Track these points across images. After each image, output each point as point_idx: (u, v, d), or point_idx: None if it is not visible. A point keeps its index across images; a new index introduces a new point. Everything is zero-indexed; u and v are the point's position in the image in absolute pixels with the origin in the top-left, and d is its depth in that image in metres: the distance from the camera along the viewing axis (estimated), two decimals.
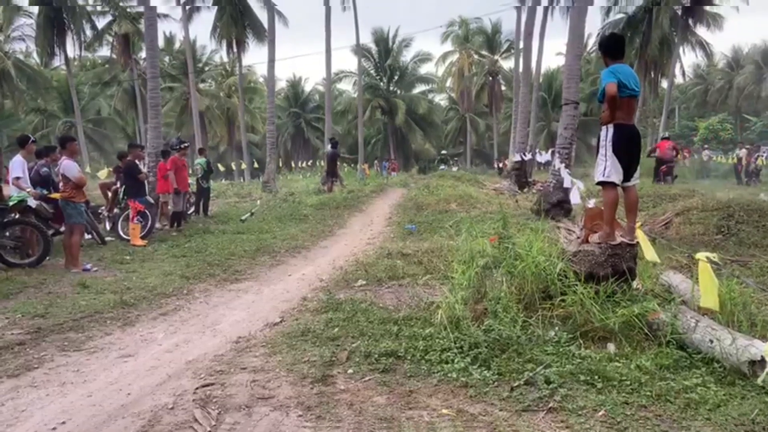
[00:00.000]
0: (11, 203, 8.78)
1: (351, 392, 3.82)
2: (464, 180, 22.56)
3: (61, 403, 3.85)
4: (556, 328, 4.53)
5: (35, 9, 31.66)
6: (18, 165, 8.99)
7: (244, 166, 38.02)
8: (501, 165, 34.57)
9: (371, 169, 39.10)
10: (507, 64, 46.76)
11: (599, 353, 4.12)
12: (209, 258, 9.19)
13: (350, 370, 4.16)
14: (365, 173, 33.17)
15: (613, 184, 4.98)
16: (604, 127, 5.01)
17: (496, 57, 48.15)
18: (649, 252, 5.46)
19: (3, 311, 6.06)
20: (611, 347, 4.24)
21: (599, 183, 5.10)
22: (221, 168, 36.66)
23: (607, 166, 4.95)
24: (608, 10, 32.12)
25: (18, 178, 8.88)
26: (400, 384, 3.91)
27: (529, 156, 20.71)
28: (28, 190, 8.92)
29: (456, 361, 4.10)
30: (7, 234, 8.52)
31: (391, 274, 7.33)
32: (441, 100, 60.36)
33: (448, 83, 53.26)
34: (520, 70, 27.44)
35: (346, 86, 55.13)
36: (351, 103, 50.18)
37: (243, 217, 14.15)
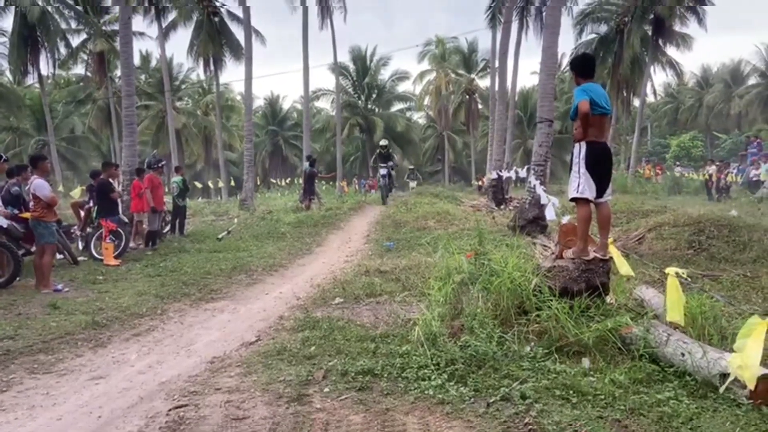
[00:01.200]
0: None
1: (327, 411, 3.78)
2: (442, 197, 22.66)
3: (30, 427, 3.75)
4: (532, 344, 4.55)
5: (9, 26, 31.30)
6: None
7: (221, 184, 37.74)
8: (480, 182, 34.86)
9: (350, 187, 39.11)
10: (483, 82, 47.38)
11: (574, 368, 4.14)
12: (184, 277, 9.08)
13: (326, 389, 4.13)
14: (344, 191, 33.16)
15: (586, 200, 5.06)
16: (576, 145, 5.09)
17: (472, 75, 48.74)
18: (623, 266, 5.54)
19: None
20: (586, 362, 4.27)
21: (573, 199, 5.17)
22: (198, 186, 36.39)
23: (580, 183, 5.03)
24: (581, 31, 32.80)
25: None
26: (376, 402, 3.88)
27: (506, 173, 20.90)
28: (0, 210, 8.75)
29: (433, 378, 4.09)
30: None
31: (368, 292, 7.31)
32: (419, 118, 60.84)
33: (426, 101, 53.71)
34: (496, 88, 27.86)
35: (324, 104, 55.32)
36: (329, 120, 50.31)
37: (220, 236, 14.03)
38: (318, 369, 4.50)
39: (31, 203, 8.76)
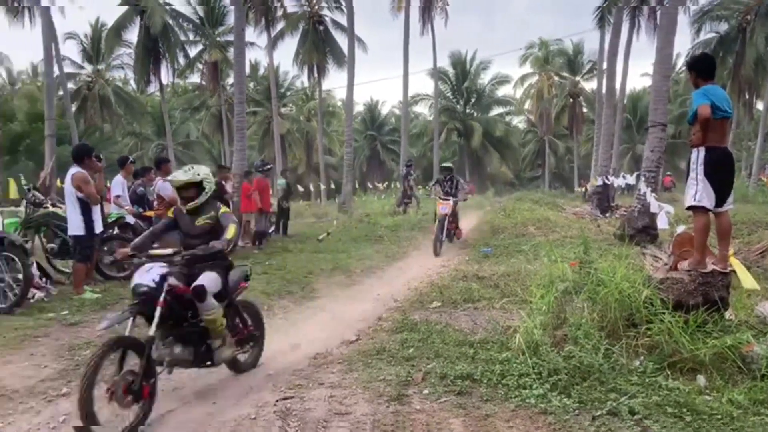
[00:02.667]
0: (110, 220, 9.40)
1: (426, 413, 3.82)
2: (542, 203, 22.09)
3: (155, 409, 4.04)
4: (642, 358, 4.35)
5: (134, 39, 34.03)
6: (118, 184, 9.66)
7: (322, 187, 38.92)
8: (584, 188, 33.61)
9: None
10: (589, 85, 45.66)
11: (688, 385, 3.92)
12: (288, 276, 9.44)
13: (426, 391, 4.16)
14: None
15: (704, 209, 4.77)
16: (695, 150, 4.81)
17: (577, 78, 47.15)
18: (747, 280, 5.14)
19: (101, 320, 6.46)
20: (701, 379, 4.03)
21: (689, 208, 4.89)
22: (300, 189, 37.67)
23: (698, 190, 4.75)
24: (698, 29, 30.78)
25: (118, 197, 9.53)
26: (476, 407, 3.87)
27: (614, 179, 20.00)
28: (126, 207, 9.53)
29: (534, 387, 4.01)
30: (106, 248, 9.10)
31: (466, 297, 7.27)
32: (519, 122, 59.70)
33: (527, 105, 52.63)
34: (603, 91, 26.72)
35: (423, 109, 55.55)
36: (427, 125, 50.53)
37: (320, 237, 14.46)
38: (417, 371, 4.54)
39: (155, 202, 9.47)
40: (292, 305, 7.63)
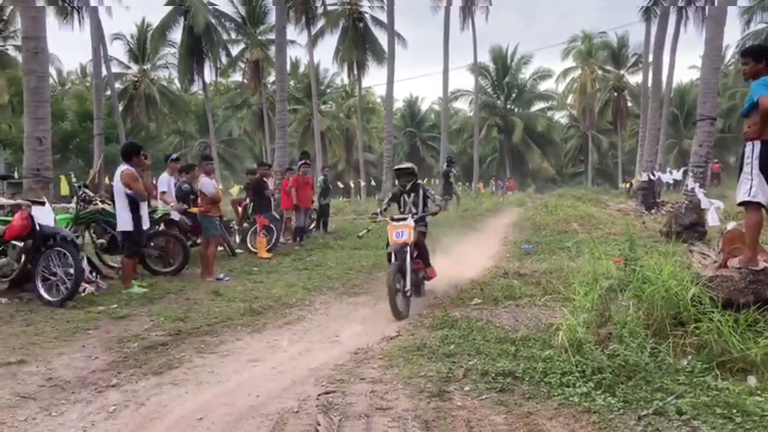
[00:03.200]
0: (157, 216, 9.67)
1: (468, 409, 3.81)
2: (585, 199, 21.72)
3: (198, 401, 4.16)
4: (689, 357, 4.23)
5: (178, 39, 34.82)
6: (164, 181, 9.93)
7: (362, 184, 39.12)
8: (629, 184, 32.89)
9: (486, 188, 38.72)
10: (634, 78, 44.65)
11: (738, 386, 3.80)
12: (329, 272, 9.55)
13: (467, 387, 4.15)
14: (479, 192, 32.90)
15: (757, 205, 4.61)
16: (749, 143, 4.65)
17: (622, 72, 46.09)
18: None
19: (149, 314, 6.67)
20: (752, 380, 3.90)
21: (742, 203, 4.73)
22: (340, 185, 37.97)
23: (753, 185, 4.59)
24: (749, 20, 29.68)
25: (164, 193, 9.79)
26: (518, 405, 3.83)
27: (658, 175, 19.50)
28: (172, 204, 9.78)
29: (578, 385, 3.95)
30: (152, 244, 9.37)
31: (507, 294, 7.22)
32: (561, 117, 58.81)
33: (569, 100, 51.71)
34: (649, 84, 26.08)
35: (463, 105, 55.30)
36: (467, 121, 50.26)
37: (360, 234, 14.43)
38: (458, 367, 4.53)
39: (199, 199, 9.70)
40: (333, 300, 7.71)
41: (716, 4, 12.39)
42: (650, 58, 26.38)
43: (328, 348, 5.52)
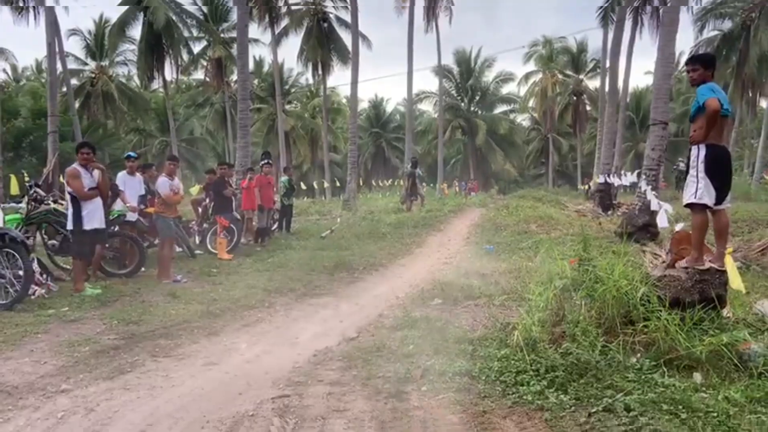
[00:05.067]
0: (112, 216, 9.45)
1: (424, 409, 3.84)
2: (545, 201, 22.09)
3: (150, 406, 4.08)
4: (638, 355, 4.36)
5: (138, 35, 34.08)
6: (121, 180, 9.74)
7: (326, 184, 38.96)
8: (587, 186, 33.63)
9: (450, 189, 39.04)
10: (593, 83, 45.61)
11: (684, 383, 3.93)
12: (290, 273, 9.48)
13: (424, 388, 4.18)
14: (444, 193, 33.14)
15: (702, 207, 4.78)
16: (694, 147, 4.82)
17: (581, 76, 47.07)
18: (735, 280, 5.16)
19: (101, 317, 6.52)
20: (697, 377, 4.04)
21: (688, 205, 4.90)
22: (303, 186, 37.76)
23: (699, 188, 4.76)
24: (702, 27, 30.66)
25: (121, 192, 9.59)
26: (473, 404, 3.89)
27: (615, 178, 20.00)
28: (128, 204, 9.58)
29: (531, 383, 4.03)
30: (107, 245, 9.16)
31: (467, 294, 7.30)
32: (523, 120, 59.64)
33: (531, 103, 52.52)
34: (606, 89, 26.72)
35: (427, 107, 55.49)
36: (431, 123, 50.48)
37: (323, 234, 14.50)
38: (416, 368, 4.57)
39: (156, 199, 9.52)
40: (294, 302, 7.66)
41: (668, 4, 12.76)
42: (607, 64, 27.02)
43: (286, 350, 5.48)
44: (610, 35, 25.80)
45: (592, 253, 6.41)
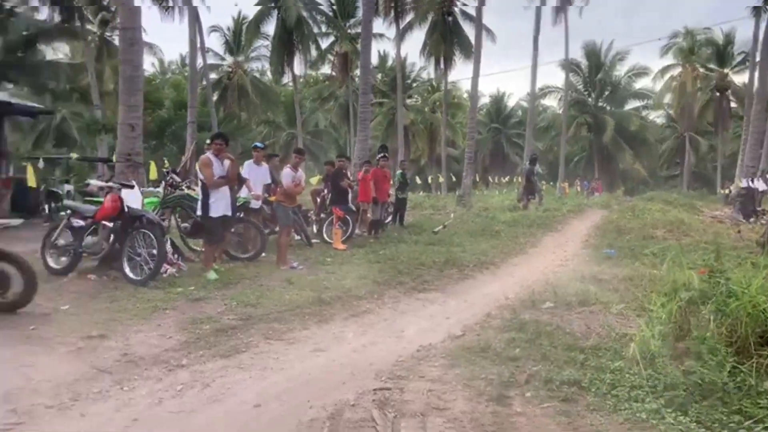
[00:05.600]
0: (238, 203, 10.01)
1: (527, 417, 3.70)
2: (677, 204, 20.58)
3: (260, 386, 4.28)
4: None
5: (272, 31, 35.99)
6: (247, 168, 10.31)
7: (441, 179, 38.89)
8: (726, 190, 30.86)
9: (571, 189, 37.50)
10: (739, 78, 41.71)
11: None
12: (400, 266, 9.53)
13: (528, 394, 4.03)
14: (564, 192, 31.90)
15: None
16: None
17: (726, 71, 43.13)
18: None
19: (223, 298, 6.94)
20: None
21: None
22: (418, 181, 37.93)
23: None
24: None
25: (246, 180, 10.14)
26: (581, 416, 3.68)
27: (759, 182, 18.17)
28: (252, 193, 10.11)
29: (647, 400, 3.75)
30: (232, 230, 9.72)
31: (582, 299, 6.93)
32: (656, 117, 55.81)
33: (667, 99, 48.92)
34: (756, 85, 24.29)
35: (551, 102, 53.42)
36: (555, 119, 48.71)
37: (436, 229, 14.46)
38: (521, 372, 4.41)
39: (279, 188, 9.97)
40: (402, 295, 7.70)
41: None
42: (758, 57, 24.54)
43: (391, 343, 5.52)
44: (762, 26, 23.40)
45: (726, 263, 5.83)
